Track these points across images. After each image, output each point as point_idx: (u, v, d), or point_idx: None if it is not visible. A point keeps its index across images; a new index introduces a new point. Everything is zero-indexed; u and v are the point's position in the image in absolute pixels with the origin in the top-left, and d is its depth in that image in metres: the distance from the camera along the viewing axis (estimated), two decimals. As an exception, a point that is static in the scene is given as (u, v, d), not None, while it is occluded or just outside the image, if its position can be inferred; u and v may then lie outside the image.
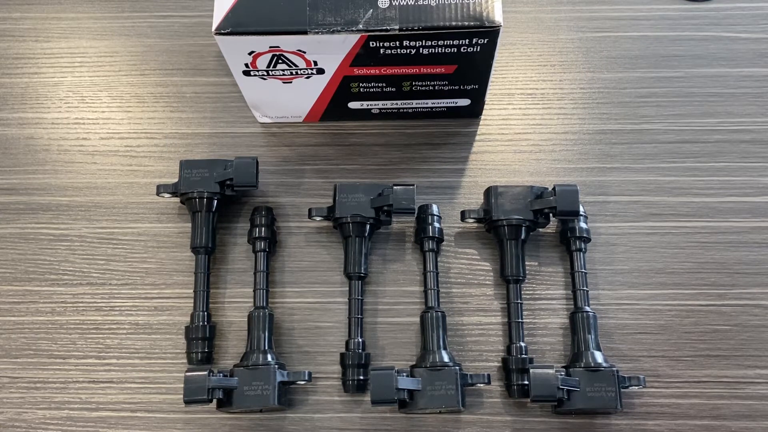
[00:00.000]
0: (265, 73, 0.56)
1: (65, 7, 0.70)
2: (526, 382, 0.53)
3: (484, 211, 0.58)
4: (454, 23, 0.50)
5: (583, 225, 0.58)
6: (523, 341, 0.56)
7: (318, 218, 0.59)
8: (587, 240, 0.58)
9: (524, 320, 0.57)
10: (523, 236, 0.58)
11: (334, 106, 0.61)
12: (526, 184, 0.60)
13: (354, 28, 0.51)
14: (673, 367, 0.56)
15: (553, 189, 0.57)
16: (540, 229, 0.60)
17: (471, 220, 0.59)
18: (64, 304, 0.60)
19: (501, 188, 0.58)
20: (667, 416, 0.55)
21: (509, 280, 0.57)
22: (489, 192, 0.58)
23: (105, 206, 0.62)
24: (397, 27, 0.51)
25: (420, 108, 0.62)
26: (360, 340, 0.56)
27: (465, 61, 0.55)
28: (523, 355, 0.55)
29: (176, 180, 0.59)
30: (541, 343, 0.57)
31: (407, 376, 0.52)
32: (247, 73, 0.56)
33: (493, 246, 0.60)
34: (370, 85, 0.58)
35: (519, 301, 0.57)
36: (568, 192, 0.56)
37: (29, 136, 0.65)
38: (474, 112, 0.64)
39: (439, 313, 0.56)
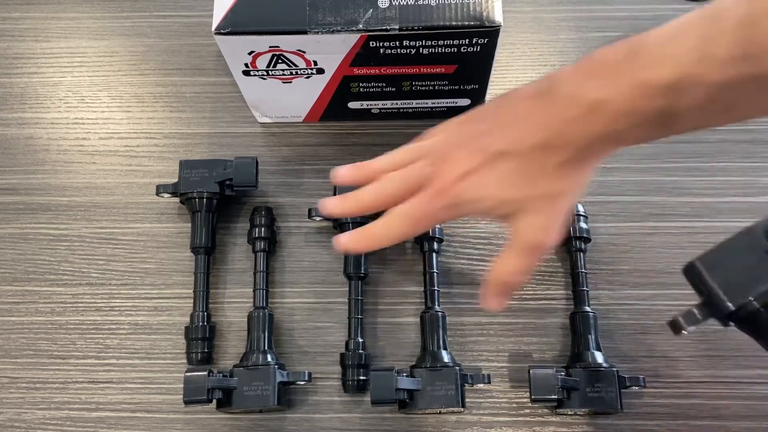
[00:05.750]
0: (265, 73, 0.56)
1: (65, 7, 0.70)
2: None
3: (484, 211, 0.58)
4: (454, 23, 0.50)
5: (583, 225, 0.58)
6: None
7: (318, 218, 0.59)
8: (587, 240, 0.58)
9: (524, 320, 0.57)
10: (523, 236, 0.57)
11: (334, 106, 0.61)
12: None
13: (354, 28, 0.51)
14: (673, 367, 0.56)
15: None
16: (540, 229, 0.60)
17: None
18: (63, 304, 0.59)
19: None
20: (667, 416, 0.55)
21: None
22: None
23: (105, 206, 0.62)
24: (397, 27, 0.50)
25: (420, 108, 0.62)
26: (360, 340, 0.56)
27: (465, 61, 0.55)
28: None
29: (176, 180, 0.59)
30: (541, 343, 0.57)
31: (407, 376, 0.52)
32: (247, 73, 0.56)
33: (493, 246, 0.60)
34: (370, 85, 0.58)
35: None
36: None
37: (29, 136, 0.65)
38: (474, 112, 0.63)
39: (439, 313, 0.56)
